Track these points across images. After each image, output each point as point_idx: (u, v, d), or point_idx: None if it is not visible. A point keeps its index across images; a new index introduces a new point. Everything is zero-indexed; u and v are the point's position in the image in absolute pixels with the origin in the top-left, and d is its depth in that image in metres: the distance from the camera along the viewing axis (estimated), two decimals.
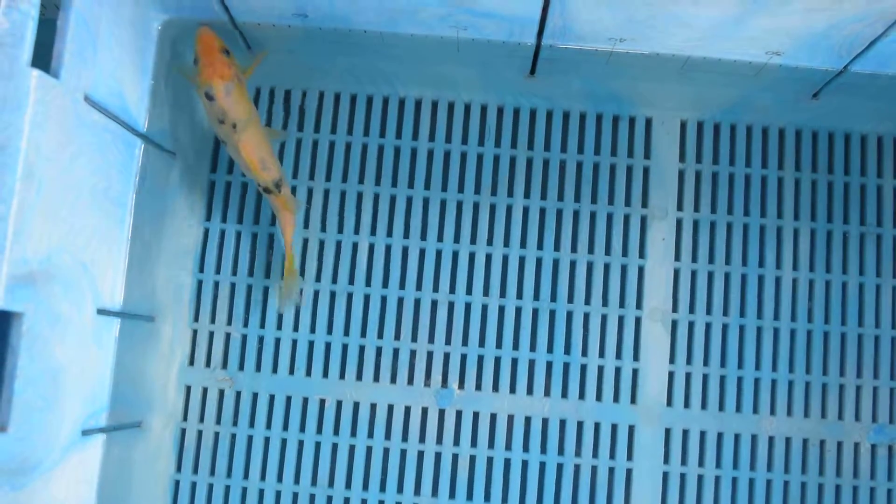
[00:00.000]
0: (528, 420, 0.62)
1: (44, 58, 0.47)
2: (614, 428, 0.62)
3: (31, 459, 0.46)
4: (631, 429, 0.62)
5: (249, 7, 0.56)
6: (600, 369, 0.63)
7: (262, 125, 0.58)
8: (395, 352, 0.63)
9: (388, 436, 0.62)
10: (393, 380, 0.63)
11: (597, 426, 0.62)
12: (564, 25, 0.56)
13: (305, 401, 0.63)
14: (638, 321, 0.63)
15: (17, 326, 0.44)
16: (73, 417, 0.51)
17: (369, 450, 0.62)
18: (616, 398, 0.62)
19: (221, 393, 0.63)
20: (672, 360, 0.63)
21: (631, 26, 0.55)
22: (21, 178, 0.43)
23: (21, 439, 0.44)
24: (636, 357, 0.63)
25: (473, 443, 0.62)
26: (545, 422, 0.62)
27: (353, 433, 0.62)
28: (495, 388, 0.63)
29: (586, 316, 0.63)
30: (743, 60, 0.59)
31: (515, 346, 0.63)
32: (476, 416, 0.62)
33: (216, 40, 0.55)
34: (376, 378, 0.63)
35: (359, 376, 0.63)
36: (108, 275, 0.55)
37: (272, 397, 0.63)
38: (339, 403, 0.62)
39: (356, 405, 0.62)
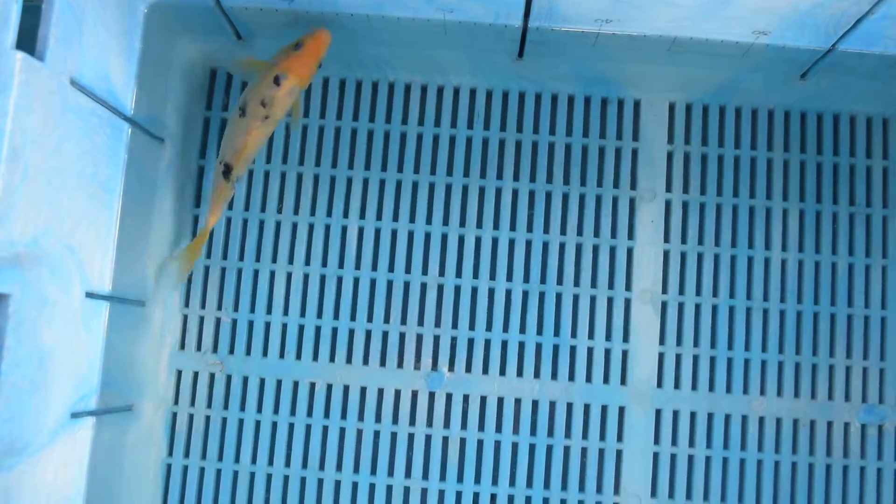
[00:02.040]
0: (518, 402, 0.62)
1: (29, 41, 0.48)
2: (604, 409, 0.62)
3: (18, 441, 0.46)
4: (621, 410, 0.62)
5: None
6: (590, 351, 0.63)
7: None
8: (385, 335, 0.63)
9: (378, 419, 0.62)
10: (383, 363, 0.63)
11: (587, 408, 0.62)
12: (550, 7, 0.55)
13: (296, 384, 0.63)
14: (627, 303, 0.63)
15: (3, 308, 0.45)
16: (61, 400, 0.52)
17: (360, 433, 0.62)
18: (606, 380, 0.63)
19: (212, 377, 0.63)
20: (662, 342, 0.63)
21: (617, 7, 0.55)
22: (6, 161, 0.43)
23: (8, 421, 0.45)
24: (626, 339, 0.63)
25: (464, 425, 0.62)
26: (535, 404, 0.62)
27: (344, 416, 0.62)
28: (485, 370, 0.63)
29: (576, 298, 0.63)
30: (730, 41, 0.58)
31: (505, 329, 0.63)
32: (466, 398, 0.63)
33: (325, 51, 0.56)
34: (366, 361, 0.63)
35: (349, 360, 0.63)
36: (97, 259, 0.55)
37: (262, 381, 0.63)
38: (330, 387, 0.63)
39: (346, 388, 0.63)
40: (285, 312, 0.63)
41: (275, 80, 0.56)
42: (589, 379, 0.63)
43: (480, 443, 0.62)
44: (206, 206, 0.62)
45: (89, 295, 0.54)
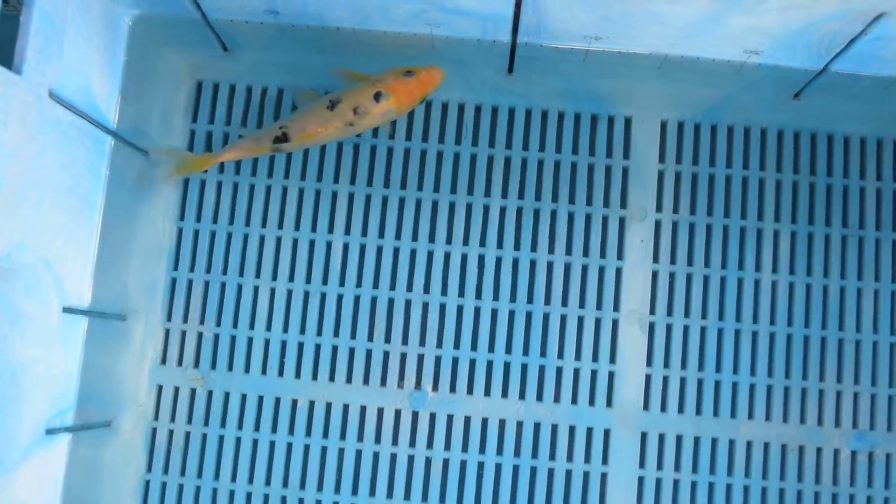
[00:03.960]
0: (502, 423, 0.62)
1: (7, 53, 0.47)
2: (590, 431, 0.61)
3: None
4: (607, 432, 0.61)
5: (220, 4, 0.56)
6: (576, 372, 0.62)
7: None
8: (369, 353, 0.62)
9: (360, 437, 0.62)
10: (366, 381, 0.62)
11: (572, 430, 0.61)
12: (539, 22, 0.55)
13: (278, 401, 0.62)
14: (615, 324, 0.62)
15: None
16: (36, 416, 0.51)
17: (341, 451, 0.61)
18: (592, 401, 0.62)
19: (193, 392, 0.62)
20: (649, 363, 0.62)
21: (606, 24, 0.54)
22: None
23: None
24: (613, 360, 0.62)
25: (447, 446, 0.61)
26: (520, 425, 0.62)
27: (326, 434, 0.62)
28: (469, 390, 0.62)
29: (563, 318, 0.62)
30: (722, 59, 0.58)
31: (491, 349, 0.62)
32: (450, 418, 0.62)
33: (433, 88, 0.57)
34: (349, 379, 0.62)
35: (331, 377, 0.62)
36: (76, 273, 0.55)
37: (244, 397, 0.62)
38: (312, 404, 0.62)
39: (328, 406, 0.62)
40: (268, 328, 0.62)
41: (375, 95, 0.56)
42: (574, 400, 0.62)
43: (464, 463, 0.61)
44: (233, 141, 0.60)
45: (67, 310, 0.53)
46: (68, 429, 0.54)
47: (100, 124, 0.55)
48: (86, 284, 0.56)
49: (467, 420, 0.62)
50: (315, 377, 0.62)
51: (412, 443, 0.62)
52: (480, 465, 0.61)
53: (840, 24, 0.51)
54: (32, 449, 0.51)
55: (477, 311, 0.62)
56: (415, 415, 0.62)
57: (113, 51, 0.56)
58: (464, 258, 0.63)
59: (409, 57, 0.61)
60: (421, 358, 0.62)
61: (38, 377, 0.51)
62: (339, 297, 0.62)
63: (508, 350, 0.62)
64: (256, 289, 0.63)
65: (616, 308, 0.62)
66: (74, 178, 0.53)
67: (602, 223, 0.63)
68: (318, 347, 0.62)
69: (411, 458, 0.61)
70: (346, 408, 0.62)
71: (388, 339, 0.62)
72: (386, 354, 0.62)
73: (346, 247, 0.63)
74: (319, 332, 0.62)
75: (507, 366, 0.62)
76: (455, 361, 0.62)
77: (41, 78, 0.48)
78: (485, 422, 0.62)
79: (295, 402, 0.62)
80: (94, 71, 0.54)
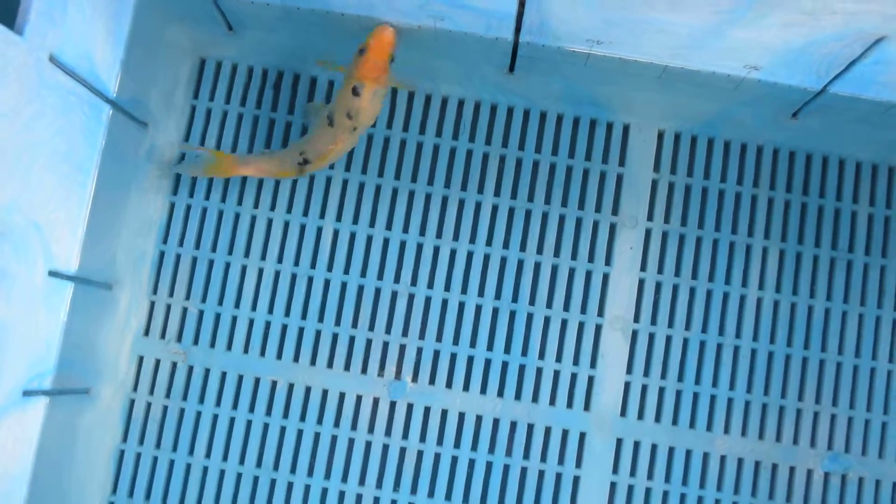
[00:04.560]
0: (479, 419, 0.62)
1: (10, 14, 0.47)
2: (565, 434, 0.62)
3: None
4: (582, 436, 0.62)
5: None
6: (556, 374, 0.62)
7: None
8: (352, 339, 0.62)
9: (336, 423, 0.62)
10: (347, 367, 0.62)
11: (547, 430, 0.62)
12: (542, 22, 0.55)
13: (257, 381, 0.62)
14: (598, 328, 0.62)
15: None
16: (14, 376, 0.51)
17: (317, 436, 0.62)
18: (570, 404, 0.62)
19: (174, 366, 0.62)
20: (629, 371, 0.62)
21: (608, 29, 0.54)
22: None
23: None
24: (593, 364, 0.62)
25: (422, 438, 0.62)
26: (496, 422, 0.62)
27: (303, 418, 0.62)
28: (449, 384, 0.62)
29: (547, 319, 0.62)
30: (722, 73, 0.58)
31: (473, 344, 0.62)
32: (427, 410, 0.62)
33: (391, 45, 0.56)
34: (330, 364, 0.62)
35: (312, 361, 0.62)
36: (65, 238, 0.55)
37: (224, 374, 0.62)
38: (291, 386, 0.62)
39: (308, 390, 0.62)
40: (253, 308, 0.63)
41: (354, 92, 0.56)
42: (552, 402, 0.62)
43: (437, 456, 0.61)
44: (262, 158, 0.60)
45: (52, 273, 0.54)
46: (46, 392, 0.55)
47: (99, 92, 0.55)
48: (74, 251, 0.56)
49: (444, 413, 0.62)
50: (296, 360, 0.62)
51: (388, 432, 0.62)
52: (454, 460, 0.61)
53: (840, 45, 0.51)
54: (8, 409, 0.51)
55: (461, 306, 0.63)
56: (392, 404, 0.62)
57: (118, 21, 0.56)
58: (452, 253, 0.63)
59: (411, 48, 0.61)
60: (403, 348, 0.62)
61: (19, 338, 0.51)
62: (327, 283, 0.63)
63: (490, 347, 0.62)
64: (244, 268, 0.63)
65: (600, 313, 0.62)
66: (69, 145, 0.53)
67: (592, 228, 0.63)
68: (301, 330, 0.62)
69: (386, 448, 0.62)
70: (325, 393, 0.62)
71: (371, 328, 0.62)
72: (368, 342, 0.62)
73: (335, 233, 0.63)
74: (304, 316, 0.63)
75: (487, 362, 0.62)
76: (436, 354, 0.62)
77: (42, 41, 0.49)
78: (462, 416, 0.62)
79: (274, 384, 0.62)
80: (97, 39, 0.54)
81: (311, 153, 0.58)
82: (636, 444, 0.61)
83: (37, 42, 0.48)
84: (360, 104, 0.56)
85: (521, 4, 0.53)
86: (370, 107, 0.57)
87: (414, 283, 0.63)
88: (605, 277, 0.63)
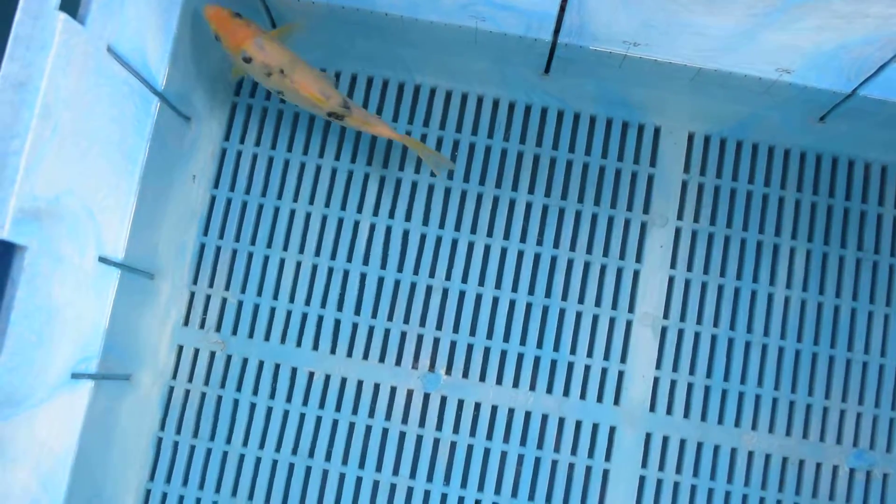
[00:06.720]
0: (511, 412, 0.63)
1: (73, 3, 0.49)
2: (595, 428, 0.63)
3: (18, 392, 0.47)
4: (612, 430, 0.63)
5: None
6: (587, 368, 0.63)
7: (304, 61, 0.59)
8: (387, 332, 0.64)
9: (371, 414, 0.63)
10: (382, 359, 0.63)
11: (578, 424, 0.63)
12: (581, 24, 0.57)
13: (294, 371, 0.63)
14: (629, 324, 0.64)
15: (19, 260, 0.46)
16: (64, 358, 0.52)
17: (352, 426, 0.63)
18: (600, 398, 0.63)
19: (212, 355, 0.64)
20: (658, 366, 0.63)
21: (646, 31, 0.56)
22: (38, 116, 0.45)
23: (11, 370, 0.45)
24: (623, 360, 0.63)
25: (455, 429, 0.63)
26: (528, 415, 0.63)
27: (338, 408, 0.63)
28: (482, 377, 0.63)
29: (578, 315, 0.64)
30: (753, 76, 0.59)
31: (506, 338, 0.63)
32: (460, 403, 0.63)
33: (223, 10, 0.57)
34: (365, 356, 0.63)
35: (349, 353, 0.63)
36: (114, 225, 0.56)
37: (261, 364, 0.63)
38: (328, 377, 0.63)
39: (343, 381, 0.63)
40: (291, 300, 0.64)
41: (246, 62, 0.57)
42: (583, 396, 0.63)
43: (470, 448, 0.62)
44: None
45: (102, 259, 0.55)
46: (92, 376, 0.56)
47: (150, 85, 0.57)
48: (122, 239, 0.57)
49: (477, 406, 0.63)
50: (333, 351, 0.63)
51: (422, 423, 0.63)
52: (486, 452, 0.62)
53: (872, 48, 0.53)
54: (57, 390, 0.52)
55: (495, 301, 0.64)
56: (426, 396, 0.63)
57: (168, 16, 0.58)
58: (486, 249, 0.64)
59: (450, 48, 0.63)
60: (437, 341, 0.63)
61: (71, 321, 0.52)
62: (363, 276, 0.64)
63: (523, 342, 0.63)
64: (283, 261, 0.64)
65: (631, 309, 0.64)
66: (121, 134, 0.55)
67: (624, 226, 0.65)
68: (337, 322, 0.64)
69: (419, 439, 0.63)
70: (360, 384, 0.63)
71: (406, 321, 0.64)
72: (403, 335, 0.64)
73: (372, 227, 0.65)
74: (340, 308, 0.64)
75: (520, 357, 0.63)
76: (470, 348, 0.63)
77: (102, 31, 0.50)
78: (494, 409, 0.63)
79: (311, 374, 0.63)
80: (149, 32, 0.56)
81: (315, 109, 0.59)
82: (665, 439, 0.63)
83: (97, 32, 0.50)
84: (259, 59, 0.57)
85: (563, 6, 0.55)
86: (267, 52, 0.57)
87: (448, 277, 0.64)
88: (636, 275, 0.64)
